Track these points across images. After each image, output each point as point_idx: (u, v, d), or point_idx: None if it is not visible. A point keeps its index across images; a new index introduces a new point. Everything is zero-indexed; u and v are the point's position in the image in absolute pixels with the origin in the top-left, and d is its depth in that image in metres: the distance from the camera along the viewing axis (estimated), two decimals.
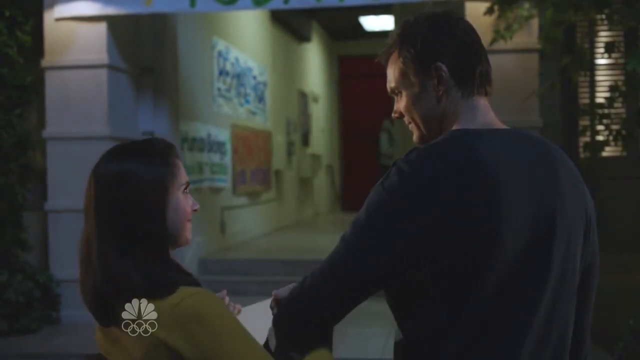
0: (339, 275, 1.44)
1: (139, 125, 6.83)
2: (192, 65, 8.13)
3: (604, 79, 6.42)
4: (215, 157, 8.86)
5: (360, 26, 14.35)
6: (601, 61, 6.37)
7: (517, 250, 1.40)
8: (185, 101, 7.83)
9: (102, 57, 6.23)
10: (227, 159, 9.29)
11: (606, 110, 5.05)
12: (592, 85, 6.52)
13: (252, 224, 10.21)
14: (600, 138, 5.48)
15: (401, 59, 1.54)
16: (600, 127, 5.42)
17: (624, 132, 4.96)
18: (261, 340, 1.57)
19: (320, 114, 15.15)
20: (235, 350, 1.46)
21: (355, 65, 16.02)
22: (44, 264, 6.28)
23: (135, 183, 1.54)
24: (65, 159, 6.27)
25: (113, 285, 1.51)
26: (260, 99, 10.91)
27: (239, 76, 9.90)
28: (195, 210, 1.66)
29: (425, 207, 1.38)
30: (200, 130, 8.38)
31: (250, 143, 10.16)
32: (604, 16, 4.83)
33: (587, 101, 6.48)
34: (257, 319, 1.66)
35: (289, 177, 12.36)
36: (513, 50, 5.70)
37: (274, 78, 11.68)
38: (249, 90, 10.33)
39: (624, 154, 6.33)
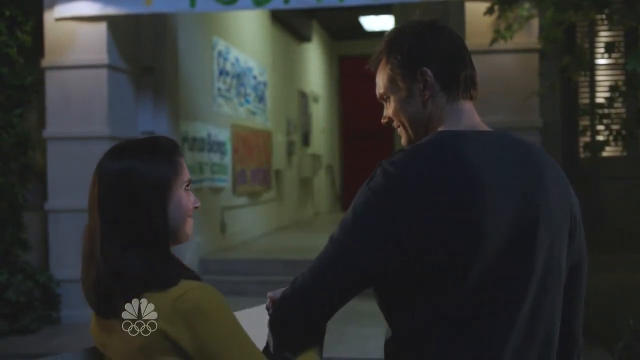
0: (327, 276, 1.47)
1: (139, 125, 6.83)
2: (192, 65, 8.13)
3: (604, 79, 6.42)
4: (216, 157, 8.86)
5: (360, 26, 14.35)
6: (601, 61, 6.37)
7: (500, 249, 1.44)
8: (185, 101, 7.83)
9: (102, 57, 6.23)
10: (227, 159, 9.29)
11: (606, 110, 5.04)
12: (592, 85, 6.52)
13: (252, 224, 10.21)
14: (600, 138, 5.48)
15: (389, 65, 1.60)
16: (600, 127, 5.42)
17: (624, 132, 4.96)
18: (259, 345, 1.58)
19: (321, 114, 15.16)
20: (232, 346, 1.50)
21: (355, 65, 15.98)
22: (44, 264, 6.28)
23: (137, 180, 1.58)
24: (65, 159, 6.27)
25: (116, 279, 1.55)
26: (261, 99, 10.91)
27: (239, 76, 9.90)
28: (196, 207, 1.69)
29: (410, 207, 1.42)
30: (201, 130, 8.38)
31: (250, 143, 10.16)
32: (604, 16, 4.83)
33: (587, 101, 6.48)
34: (252, 324, 1.67)
35: (289, 177, 12.37)
36: (513, 50, 5.70)
37: (274, 78, 11.67)
38: (249, 90, 10.33)
39: (624, 154, 6.33)
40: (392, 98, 1.62)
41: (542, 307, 1.49)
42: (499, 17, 5.24)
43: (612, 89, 4.84)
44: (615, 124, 5.11)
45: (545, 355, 1.50)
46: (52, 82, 6.29)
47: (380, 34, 14.71)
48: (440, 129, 1.55)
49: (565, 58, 5.09)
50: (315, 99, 14.66)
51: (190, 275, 1.59)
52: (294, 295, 1.51)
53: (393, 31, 1.64)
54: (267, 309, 1.62)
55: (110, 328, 1.58)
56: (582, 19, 5.10)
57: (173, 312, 1.50)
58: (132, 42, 6.72)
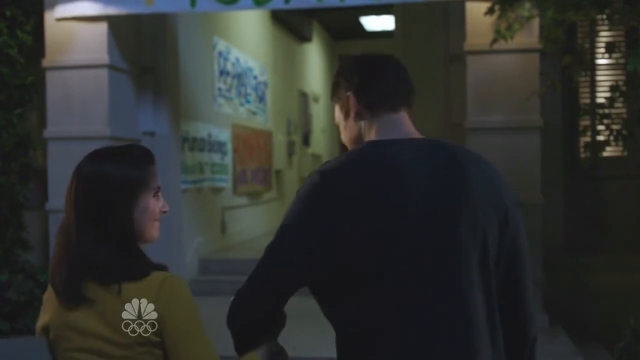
0: (274, 257, 1.68)
1: (140, 125, 6.82)
2: (193, 65, 8.13)
3: (604, 79, 6.43)
4: (216, 157, 8.87)
5: (361, 26, 14.35)
6: (602, 61, 6.37)
7: (420, 241, 1.62)
8: (186, 101, 7.83)
9: (103, 57, 6.23)
10: (228, 159, 9.29)
11: (607, 110, 5.04)
12: (593, 85, 6.53)
13: (252, 223, 10.21)
14: (600, 138, 5.48)
15: (334, 98, 1.88)
16: (600, 127, 5.42)
17: (624, 132, 4.96)
18: None
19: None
20: (195, 322, 1.76)
21: None
22: (45, 263, 6.28)
23: (108, 184, 1.78)
24: (65, 159, 6.26)
25: (91, 269, 1.76)
26: (261, 99, 10.91)
27: (239, 76, 9.90)
28: (164, 212, 1.88)
29: (332, 197, 1.63)
30: (201, 130, 8.38)
31: (250, 143, 10.17)
32: (604, 16, 4.83)
33: (588, 101, 6.48)
34: None
35: (290, 177, 12.37)
36: (514, 50, 5.70)
37: (274, 78, 11.68)
38: (249, 90, 10.33)
39: (625, 154, 6.34)
40: (341, 125, 1.88)
41: (466, 290, 1.64)
42: (499, 17, 5.24)
43: (613, 89, 4.84)
44: (616, 124, 5.11)
45: (471, 335, 1.63)
46: (53, 82, 6.28)
47: (381, 34, 14.76)
48: (372, 139, 1.77)
49: (566, 58, 5.09)
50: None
51: (160, 267, 1.80)
52: (240, 292, 1.73)
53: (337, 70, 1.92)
54: None
55: (78, 318, 1.77)
56: (583, 18, 5.09)
57: (159, 293, 1.73)
58: (133, 42, 6.72)
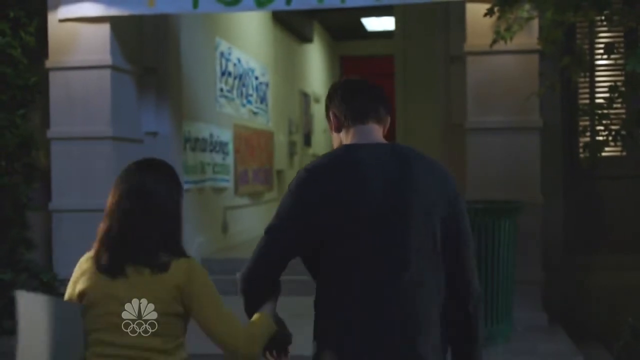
0: (269, 238, 2.18)
1: (142, 125, 6.87)
2: (195, 65, 8.17)
3: (604, 80, 6.46)
4: (218, 157, 8.90)
5: (361, 26, 14.39)
6: (602, 62, 6.40)
7: (378, 223, 2.10)
8: (188, 101, 7.87)
9: (106, 57, 6.27)
10: (230, 159, 9.33)
11: (605, 111, 5.08)
12: (593, 85, 6.56)
13: (254, 223, 10.24)
14: (599, 138, 5.51)
15: (327, 117, 2.39)
16: (599, 128, 5.46)
17: (623, 132, 4.99)
18: None
19: (322, 114, 15.10)
20: (212, 295, 2.27)
21: (356, 65, 16.06)
22: (48, 263, 6.32)
23: (176, 198, 2.36)
24: (69, 159, 6.31)
25: (138, 253, 2.24)
26: (262, 99, 10.95)
27: (241, 77, 9.94)
28: None
29: (310, 198, 2.13)
30: (203, 130, 8.42)
31: (252, 143, 10.21)
32: (603, 17, 4.86)
33: (587, 101, 6.51)
34: None
35: (291, 177, 12.34)
36: (513, 51, 5.73)
37: (275, 78, 11.72)
38: (251, 91, 10.37)
39: (624, 154, 6.37)
40: (331, 134, 2.40)
41: (416, 263, 2.11)
42: (499, 18, 5.27)
43: (612, 89, 4.87)
44: (615, 124, 5.14)
45: (418, 297, 2.11)
46: (56, 83, 6.33)
47: (381, 35, 14.75)
48: (347, 143, 2.28)
49: (565, 59, 5.12)
50: (317, 100, 14.70)
51: (185, 254, 2.31)
52: (250, 264, 2.20)
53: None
54: None
55: (123, 281, 2.22)
56: (582, 19, 5.13)
57: (186, 271, 2.24)
58: (135, 43, 6.77)
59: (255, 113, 10.58)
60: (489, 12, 5.13)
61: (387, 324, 2.07)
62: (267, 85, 11.18)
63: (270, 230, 2.19)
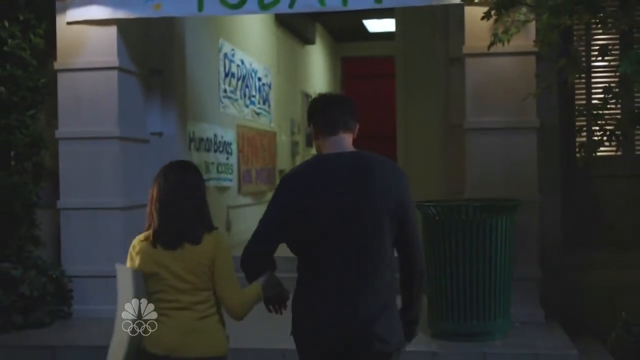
0: (260, 229, 2.87)
1: (148, 125, 6.99)
2: (199, 67, 8.30)
3: (600, 81, 6.56)
4: (222, 157, 9.04)
5: (363, 28, 14.50)
6: (598, 63, 6.50)
7: (342, 217, 2.74)
8: (192, 102, 8.00)
9: (113, 59, 6.40)
10: (233, 159, 9.46)
11: (600, 111, 5.17)
12: (589, 86, 6.66)
13: (256, 222, 10.34)
14: (595, 138, 5.62)
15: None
16: (595, 128, 5.56)
17: (617, 132, 5.08)
18: None
19: None
20: (227, 263, 3.04)
21: (358, 66, 16.19)
22: (57, 259, 6.45)
23: (204, 188, 3.14)
24: (76, 158, 6.44)
25: (184, 229, 3.01)
26: (265, 100, 11.09)
27: (244, 78, 10.08)
28: None
29: (289, 197, 2.82)
30: (207, 130, 8.55)
31: (255, 143, 10.34)
32: (597, 20, 4.97)
33: (584, 102, 6.62)
34: None
35: None
36: (511, 53, 5.81)
37: (278, 79, 11.85)
38: (254, 92, 10.51)
39: (621, 153, 6.48)
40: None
41: (368, 247, 2.76)
42: (496, 21, 5.37)
43: (606, 90, 4.97)
44: (610, 124, 5.24)
45: (368, 273, 2.77)
46: (64, 84, 6.45)
47: (383, 36, 14.78)
48: (321, 153, 2.92)
49: (561, 61, 5.22)
50: None
51: (215, 228, 3.10)
52: (247, 244, 2.90)
53: None
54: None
55: (175, 253, 2.99)
56: (578, 22, 5.23)
57: (216, 242, 3.03)
58: (141, 45, 6.89)
59: (258, 114, 10.72)
60: (486, 16, 5.23)
61: (343, 290, 2.75)
62: (269, 86, 11.32)
63: (260, 221, 2.88)
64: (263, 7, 6.10)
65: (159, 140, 7.01)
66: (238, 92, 9.83)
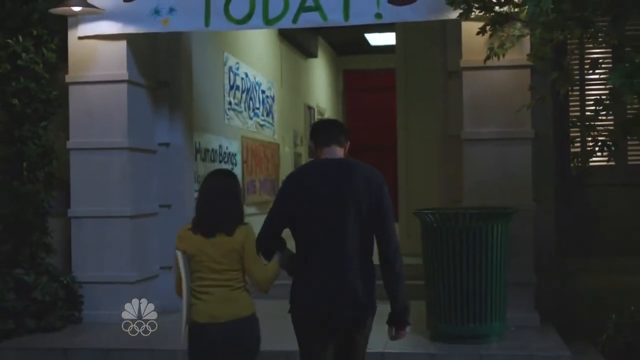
0: (269, 218, 3.59)
1: (156, 136, 7.18)
2: (205, 80, 8.50)
3: (594, 93, 6.76)
4: (227, 168, 9.22)
5: (364, 41, 14.70)
6: (591, 76, 6.69)
7: (327, 209, 3.44)
8: (198, 114, 8.18)
9: (122, 72, 6.61)
10: (238, 170, 9.64)
11: (592, 122, 5.35)
12: (583, 98, 6.86)
13: None
14: (588, 148, 5.80)
15: (309, 141, 3.83)
16: (588, 138, 5.74)
17: (609, 142, 5.26)
18: None
19: None
20: (254, 251, 3.61)
21: (359, 78, 16.40)
22: (67, 266, 6.64)
23: (235, 192, 3.74)
24: (87, 168, 6.64)
25: (221, 222, 3.61)
26: (269, 112, 11.30)
27: (248, 90, 10.29)
28: None
29: (290, 190, 3.58)
30: (213, 141, 8.75)
31: (259, 154, 10.53)
32: (589, 35, 5.16)
33: (578, 113, 6.81)
34: None
35: None
36: (506, 66, 6.00)
37: (281, 92, 12.06)
38: (257, 104, 10.72)
39: (612, 163, 6.66)
40: None
41: (351, 233, 3.43)
42: (491, 36, 5.57)
43: (597, 102, 5.16)
44: (602, 135, 5.42)
45: (353, 255, 3.45)
46: (75, 96, 6.66)
47: (384, 49, 14.89)
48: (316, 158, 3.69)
49: (554, 74, 5.42)
50: (321, 113, 15.05)
51: (245, 222, 3.68)
52: (260, 231, 3.59)
53: None
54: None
55: (212, 241, 3.58)
56: (570, 37, 5.42)
57: (246, 233, 3.60)
58: (150, 59, 7.10)
59: (261, 125, 10.92)
60: (482, 31, 5.43)
61: (330, 266, 3.43)
62: (273, 98, 11.53)
63: (269, 212, 3.63)
64: (267, 23, 6.31)
65: (166, 151, 7.19)
66: (242, 105, 10.03)
